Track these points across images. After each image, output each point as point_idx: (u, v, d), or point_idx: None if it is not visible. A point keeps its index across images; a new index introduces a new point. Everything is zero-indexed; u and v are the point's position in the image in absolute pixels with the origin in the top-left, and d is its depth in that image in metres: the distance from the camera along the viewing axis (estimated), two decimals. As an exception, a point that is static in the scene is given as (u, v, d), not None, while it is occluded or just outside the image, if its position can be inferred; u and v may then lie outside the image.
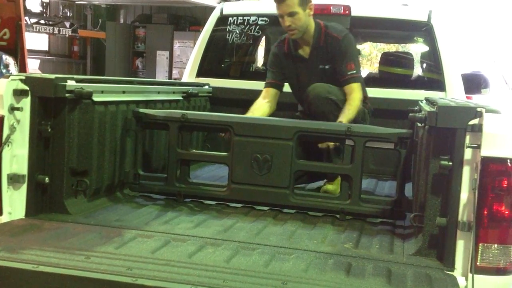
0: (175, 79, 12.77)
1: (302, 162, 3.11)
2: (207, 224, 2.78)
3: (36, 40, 13.53)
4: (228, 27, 4.64)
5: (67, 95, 2.70)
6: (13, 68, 6.23)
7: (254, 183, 3.06)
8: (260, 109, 3.65)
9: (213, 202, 3.20)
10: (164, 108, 3.64)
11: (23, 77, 2.62)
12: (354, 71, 3.57)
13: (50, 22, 13.65)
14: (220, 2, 4.85)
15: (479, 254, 2.25)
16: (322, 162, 3.42)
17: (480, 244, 2.25)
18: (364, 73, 5.10)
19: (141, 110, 3.23)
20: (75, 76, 2.83)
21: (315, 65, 3.66)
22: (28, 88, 2.61)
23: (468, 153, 2.29)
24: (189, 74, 4.57)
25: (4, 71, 6.10)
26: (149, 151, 3.52)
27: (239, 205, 3.17)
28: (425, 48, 4.74)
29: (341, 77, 3.58)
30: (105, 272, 2.06)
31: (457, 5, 12.79)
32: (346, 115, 3.37)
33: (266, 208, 3.13)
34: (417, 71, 5.09)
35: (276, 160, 3.02)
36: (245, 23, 4.61)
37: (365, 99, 3.75)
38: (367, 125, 3.27)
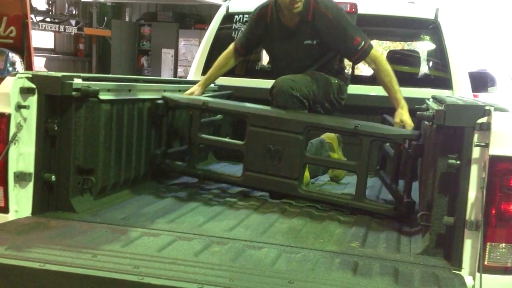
0: (180, 77, 12.77)
1: (310, 155, 3.16)
2: (213, 223, 2.77)
3: (42, 38, 13.57)
4: (234, 25, 4.62)
5: (73, 93, 2.70)
6: (19, 66, 6.24)
7: (266, 172, 3.21)
8: (216, 68, 3.87)
9: (220, 200, 3.20)
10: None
11: (30, 75, 2.62)
12: (363, 43, 3.48)
13: (56, 20, 13.69)
14: (226, 0, 4.83)
15: (487, 253, 2.23)
16: None
17: (488, 243, 2.23)
18: (369, 71, 5.08)
19: (167, 94, 3.43)
20: (81, 74, 2.83)
21: (302, 40, 3.58)
22: (34, 86, 2.61)
23: (476, 152, 2.28)
24: (194, 72, 4.56)
25: (10, 69, 6.12)
26: (174, 134, 3.70)
27: (246, 203, 3.17)
28: (432, 46, 4.72)
29: (353, 56, 3.55)
30: (111, 270, 2.05)
31: (464, 3, 12.74)
32: (393, 93, 3.40)
33: (272, 206, 3.13)
34: (424, 69, 5.07)
35: (286, 152, 3.14)
36: (251, 21, 4.58)
37: (342, 70, 3.75)
38: (375, 124, 3.27)
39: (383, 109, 3.88)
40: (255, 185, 3.32)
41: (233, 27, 4.62)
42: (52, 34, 13.91)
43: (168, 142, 3.56)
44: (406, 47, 6.19)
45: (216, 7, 4.74)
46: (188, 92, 3.77)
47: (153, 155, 3.43)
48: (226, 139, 3.65)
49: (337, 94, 3.70)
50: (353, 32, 3.51)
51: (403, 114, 3.33)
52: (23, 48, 6.36)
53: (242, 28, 4.60)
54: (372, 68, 3.57)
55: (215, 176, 3.49)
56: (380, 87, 3.57)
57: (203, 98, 3.51)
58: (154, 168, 3.46)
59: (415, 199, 3.02)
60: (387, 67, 3.49)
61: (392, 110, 3.43)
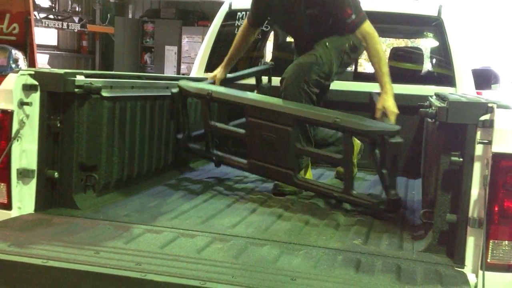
0: (183, 74, 12.77)
1: (301, 146, 3.18)
2: (215, 220, 2.77)
3: (45, 35, 13.58)
4: (237, 22, 4.62)
5: (76, 90, 2.71)
6: (22, 63, 6.26)
7: (265, 160, 3.27)
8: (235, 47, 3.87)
9: (222, 197, 3.21)
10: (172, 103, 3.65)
11: (32, 72, 2.62)
12: (353, 16, 3.31)
13: (59, 17, 13.70)
14: (229, -3, 4.82)
15: (490, 251, 2.22)
16: None
17: (491, 241, 2.22)
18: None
19: (181, 83, 3.54)
20: (84, 71, 2.83)
21: (304, 10, 3.49)
22: (37, 83, 2.61)
23: (479, 149, 2.27)
24: (197, 69, 4.56)
25: (13, 66, 6.13)
26: (194, 120, 3.86)
27: (248, 200, 3.17)
28: (435, 43, 4.71)
29: (345, 28, 3.41)
30: (114, 267, 2.06)
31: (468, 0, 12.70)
32: (379, 76, 3.27)
33: (275, 203, 3.14)
34: (427, 66, 5.06)
35: (279, 142, 3.16)
36: (254, 18, 4.58)
37: (356, 49, 3.61)
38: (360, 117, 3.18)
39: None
40: (257, 172, 3.44)
41: (236, 24, 4.62)
42: (55, 31, 13.94)
43: (188, 127, 3.66)
44: (409, 44, 6.17)
45: (219, 4, 4.73)
46: (211, 75, 3.86)
47: (176, 140, 3.64)
48: (231, 127, 3.66)
49: (352, 53, 3.60)
50: (345, 3, 3.34)
51: (386, 100, 3.21)
52: (26, 45, 6.38)
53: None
54: (364, 45, 3.42)
55: (227, 160, 3.57)
56: (394, 85, 3.51)
57: (208, 87, 3.53)
58: (176, 153, 3.68)
59: (413, 197, 3.01)
60: (378, 46, 3.33)
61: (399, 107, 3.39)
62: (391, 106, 3.19)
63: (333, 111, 3.18)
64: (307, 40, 3.59)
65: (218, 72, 3.86)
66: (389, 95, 3.23)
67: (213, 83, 3.82)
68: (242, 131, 3.40)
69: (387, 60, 3.33)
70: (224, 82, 3.88)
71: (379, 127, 2.96)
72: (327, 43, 3.51)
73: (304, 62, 3.48)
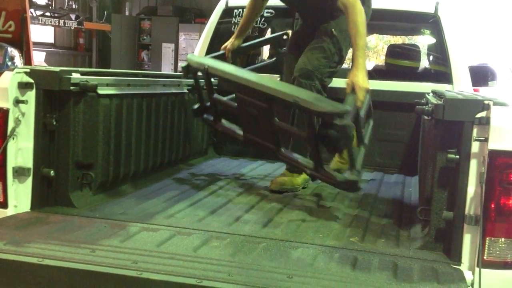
0: (180, 71, 12.75)
1: (278, 123, 3.15)
2: (212, 218, 2.77)
3: (42, 33, 13.54)
4: (234, 19, 4.61)
5: (72, 88, 2.70)
6: (18, 60, 6.24)
7: (254, 135, 3.33)
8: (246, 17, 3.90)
9: (219, 195, 3.22)
10: (169, 101, 3.65)
11: (28, 70, 2.61)
12: None
13: (56, 15, 13.65)
14: (225, -6, 4.81)
15: (486, 248, 2.23)
16: None
17: (487, 238, 2.23)
18: (370, 65, 5.07)
19: (188, 56, 3.64)
20: (80, 69, 2.82)
21: None
22: (33, 81, 2.60)
23: (475, 146, 2.27)
24: (194, 67, 4.54)
25: (9, 63, 6.12)
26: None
27: (245, 198, 3.17)
28: (432, 40, 4.71)
29: None
30: (110, 265, 2.05)
31: (464, -3, 12.69)
32: (354, 49, 3.18)
33: (271, 201, 3.13)
34: (424, 63, 5.05)
35: (260, 118, 3.19)
36: (250, 15, 4.57)
37: None
38: (317, 96, 3.18)
39: (386, 103, 3.88)
40: (252, 145, 3.50)
41: (233, 21, 4.61)
42: (52, 28, 13.89)
43: (201, 99, 3.74)
44: (406, 41, 6.17)
45: (216, 1, 4.72)
46: (223, 46, 3.90)
47: (192, 110, 3.79)
48: (228, 101, 3.63)
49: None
50: None
51: (355, 75, 3.10)
52: (22, 42, 6.36)
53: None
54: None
55: (228, 132, 3.64)
56: (386, 82, 3.50)
57: (207, 62, 3.54)
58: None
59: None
60: (357, 18, 3.18)
61: (396, 105, 3.38)
62: (360, 81, 3.09)
63: (301, 90, 3.18)
64: (309, 12, 3.59)
65: (229, 42, 3.90)
66: (359, 70, 3.13)
67: (224, 54, 3.91)
68: (234, 104, 3.44)
69: (366, 34, 3.20)
70: (236, 52, 3.94)
71: (329, 108, 2.89)
72: (333, 30, 3.48)
73: (313, 58, 3.45)
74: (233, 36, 3.95)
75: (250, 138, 3.41)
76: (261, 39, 4.33)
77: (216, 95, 3.61)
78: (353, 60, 3.21)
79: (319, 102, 2.94)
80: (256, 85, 3.12)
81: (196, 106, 3.80)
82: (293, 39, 3.94)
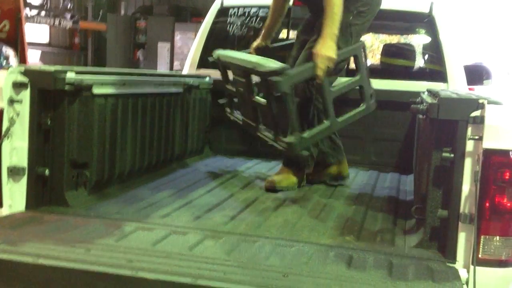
0: (176, 70, 12.74)
1: (257, 99, 3.22)
2: (207, 217, 2.77)
3: (37, 32, 13.51)
4: (229, 18, 4.61)
5: (66, 87, 2.69)
6: (13, 60, 6.23)
7: (245, 113, 3.51)
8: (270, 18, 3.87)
9: (214, 194, 3.22)
10: (164, 100, 3.64)
11: (23, 69, 2.60)
12: None
13: (51, 14, 13.63)
14: (221, -7, 4.81)
15: (481, 246, 2.24)
16: None
17: (482, 236, 2.24)
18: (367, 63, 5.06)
19: (217, 51, 3.70)
20: (74, 68, 2.81)
21: None
22: (27, 81, 2.59)
23: (470, 145, 2.28)
24: (189, 66, 4.54)
25: (4, 63, 6.10)
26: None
27: (241, 197, 3.17)
28: (427, 40, 4.71)
29: None
30: (105, 264, 2.05)
31: (459, -4, 12.72)
32: (323, 18, 3.11)
33: (267, 199, 3.13)
34: (419, 62, 5.06)
35: (244, 95, 3.33)
36: (246, 15, 4.58)
37: (362, 13, 3.40)
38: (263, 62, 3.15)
39: (381, 102, 3.87)
40: (245, 127, 3.63)
41: (228, 21, 4.61)
42: (47, 27, 13.86)
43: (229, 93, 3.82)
44: (402, 41, 6.18)
45: (212, 0, 4.72)
46: (251, 46, 3.90)
47: (219, 104, 3.97)
48: (230, 87, 3.69)
49: (359, 19, 3.47)
50: None
51: (318, 42, 3.06)
52: (17, 42, 6.34)
53: (238, 22, 4.60)
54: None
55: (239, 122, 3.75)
56: (381, 81, 3.48)
57: (221, 52, 3.62)
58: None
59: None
60: (332, 8, 3.10)
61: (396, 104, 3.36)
62: (321, 50, 3.04)
63: (262, 58, 3.21)
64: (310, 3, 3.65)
65: (256, 42, 3.89)
66: (323, 38, 3.07)
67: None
68: (232, 89, 3.57)
69: (340, 6, 3.13)
70: (262, 51, 3.87)
71: (265, 68, 2.94)
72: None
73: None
74: (260, 37, 3.90)
75: (245, 122, 3.53)
76: (288, 41, 4.25)
77: (229, 85, 3.69)
78: (322, 27, 3.14)
79: (268, 64, 3.00)
80: (235, 60, 3.30)
81: (221, 101, 3.96)
82: (303, 25, 3.88)
